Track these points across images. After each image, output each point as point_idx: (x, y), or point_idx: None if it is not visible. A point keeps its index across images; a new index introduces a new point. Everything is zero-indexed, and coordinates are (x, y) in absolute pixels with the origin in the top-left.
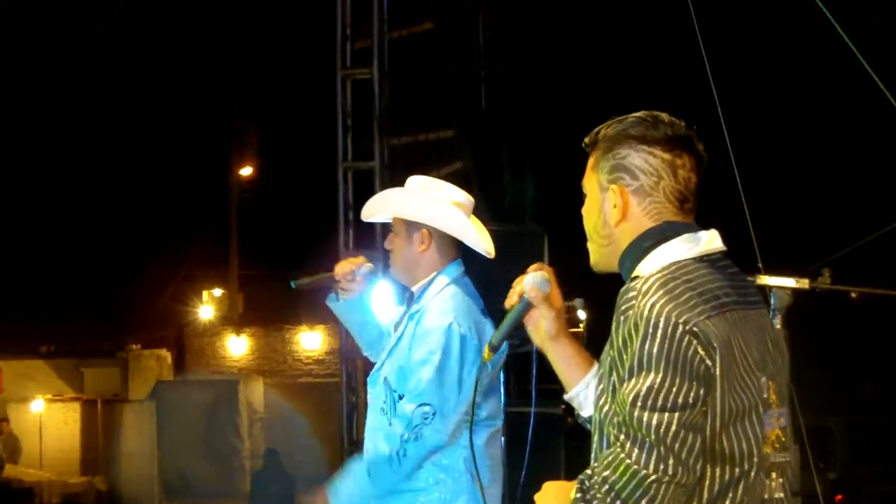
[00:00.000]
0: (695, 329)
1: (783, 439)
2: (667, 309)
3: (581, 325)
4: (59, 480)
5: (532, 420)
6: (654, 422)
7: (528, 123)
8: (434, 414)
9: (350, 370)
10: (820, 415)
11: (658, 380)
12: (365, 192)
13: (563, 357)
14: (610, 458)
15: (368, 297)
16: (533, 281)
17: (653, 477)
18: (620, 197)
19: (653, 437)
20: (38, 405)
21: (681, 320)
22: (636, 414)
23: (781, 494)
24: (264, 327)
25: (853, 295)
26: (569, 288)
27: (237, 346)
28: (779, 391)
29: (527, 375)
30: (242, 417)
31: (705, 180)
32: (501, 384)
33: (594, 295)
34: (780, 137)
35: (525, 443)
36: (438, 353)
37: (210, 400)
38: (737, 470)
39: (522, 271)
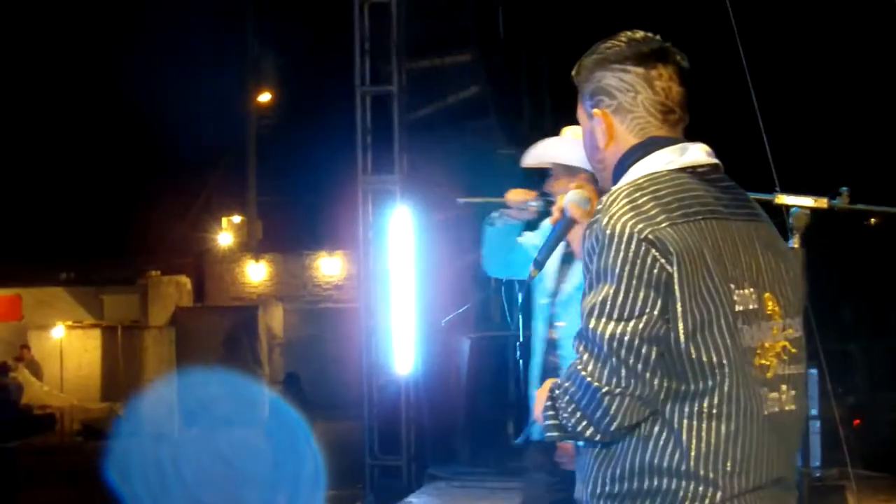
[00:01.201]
0: (650, 237)
1: (793, 351)
2: (623, 219)
3: None
4: (79, 406)
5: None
6: (608, 333)
7: (546, 48)
8: None
9: (369, 295)
10: (840, 340)
11: (613, 290)
12: (382, 116)
13: None
14: (570, 370)
15: (521, 226)
16: (573, 198)
17: (604, 389)
18: (603, 119)
19: (605, 348)
20: (58, 332)
21: (637, 229)
22: (591, 325)
23: (793, 407)
24: (283, 253)
25: (872, 220)
26: None
27: (256, 273)
28: (784, 303)
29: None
30: (262, 343)
31: (723, 105)
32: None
33: None
34: (799, 59)
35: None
36: None
37: (229, 326)
38: (709, 381)
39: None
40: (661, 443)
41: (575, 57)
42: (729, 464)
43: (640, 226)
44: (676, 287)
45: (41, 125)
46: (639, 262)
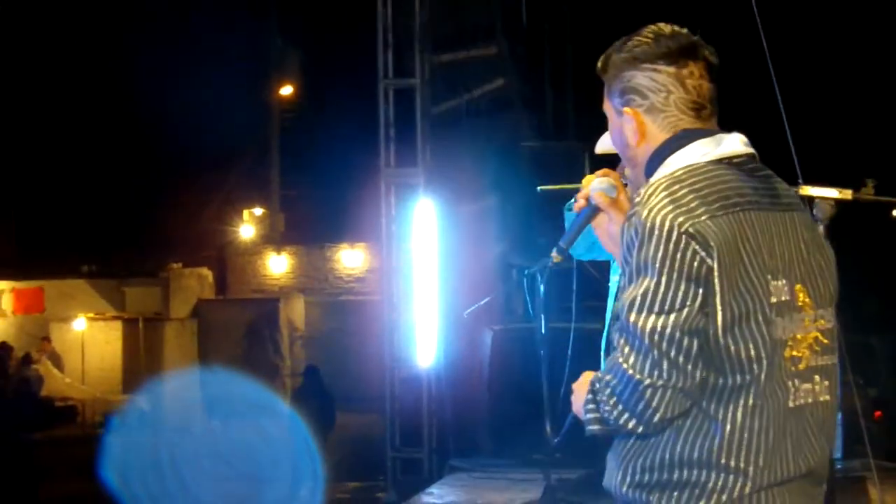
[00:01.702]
0: (691, 230)
1: (825, 342)
2: (663, 212)
3: None
4: (101, 398)
5: (572, 336)
6: (650, 326)
7: (570, 40)
8: None
9: (392, 288)
10: (862, 332)
11: (654, 283)
12: (406, 109)
13: None
14: (611, 364)
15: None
16: (599, 185)
17: (647, 382)
18: (634, 118)
19: (647, 341)
20: (79, 324)
21: (676, 222)
22: (632, 318)
23: (828, 397)
24: (305, 245)
25: (895, 213)
26: None
27: (278, 265)
28: (815, 294)
29: (568, 292)
30: (283, 335)
31: (745, 95)
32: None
33: None
34: (824, 49)
35: (566, 359)
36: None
37: (251, 318)
38: (746, 375)
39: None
40: (694, 434)
41: (599, 48)
42: (760, 456)
43: (681, 219)
44: (716, 280)
45: (65, 119)
46: (679, 255)
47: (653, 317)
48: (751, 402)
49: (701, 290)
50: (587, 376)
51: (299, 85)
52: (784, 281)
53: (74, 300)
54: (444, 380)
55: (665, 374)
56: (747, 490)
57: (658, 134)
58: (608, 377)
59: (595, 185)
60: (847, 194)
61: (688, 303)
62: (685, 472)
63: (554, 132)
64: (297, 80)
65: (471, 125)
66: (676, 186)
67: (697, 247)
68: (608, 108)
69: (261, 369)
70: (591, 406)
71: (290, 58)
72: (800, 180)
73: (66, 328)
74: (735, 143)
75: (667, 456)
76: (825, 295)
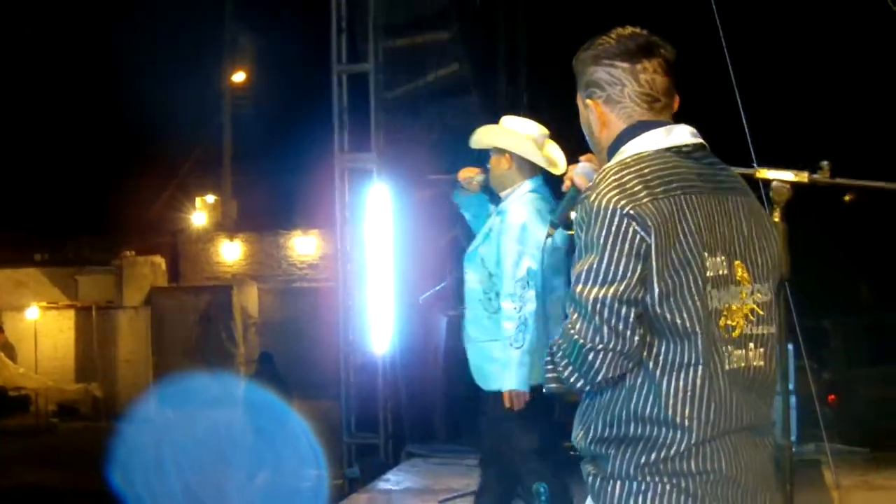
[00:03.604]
0: (631, 212)
1: (761, 313)
2: (608, 195)
3: None
4: (55, 387)
5: None
6: (592, 296)
7: (524, 24)
8: (525, 284)
9: (346, 274)
10: (816, 316)
11: (597, 259)
12: (359, 94)
13: None
14: (563, 330)
15: (483, 197)
16: (581, 170)
17: (588, 346)
18: (595, 109)
19: (589, 309)
20: (32, 313)
21: (619, 205)
22: (578, 289)
23: (762, 363)
24: (258, 232)
25: (847, 198)
26: (560, 185)
27: (231, 252)
28: (753, 269)
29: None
30: (237, 323)
31: (702, 80)
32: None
33: None
34: (778, 34)
35: None
36: (518, 243)
37: (204, 306)
38: (684, 340)
39: None
40: (644, 393)
41: (552, 32)
42: (703, 412)
43: (623, 202)
44: (653, 256)
45: (15, 108)
46: (620, 234)
47: (595, 288)
48: (691, 364)
49: (640, 265)
50: None
51: (252, 71)
52: (723, 257)
53: (27, 289)
54: (400, 366)
55: (605, 339)
56: (693, 442)
57: (617, 123)
58: (560, 341)
59: (578, 169)
60: (803, 177)
61: (627, 275)
62: (638, 428)
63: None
64: (250, 67)
65: (425, 110)
66: (624, 172)
67: (637, 226)
68: (579, 100)
69: (215, 357)
70: (549, 367)
71: (242, 44)
72: (754, 163)
73: (18, 317)
74: (683, 134)
75: (623, 413)
76: (763, 270)
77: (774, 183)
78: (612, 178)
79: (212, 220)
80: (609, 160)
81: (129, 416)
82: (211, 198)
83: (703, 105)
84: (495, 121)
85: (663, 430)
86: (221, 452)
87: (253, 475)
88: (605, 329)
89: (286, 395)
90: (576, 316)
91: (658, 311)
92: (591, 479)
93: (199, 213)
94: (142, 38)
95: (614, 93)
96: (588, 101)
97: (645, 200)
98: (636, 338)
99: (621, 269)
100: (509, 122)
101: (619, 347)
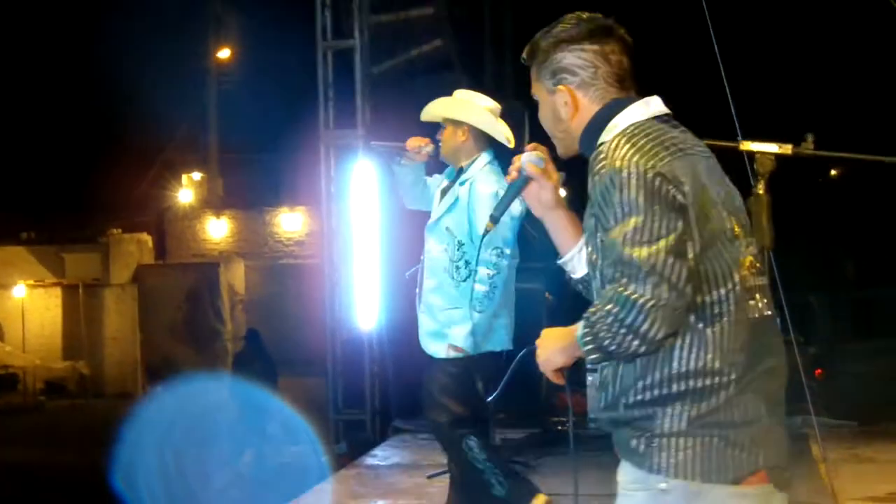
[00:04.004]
0: (661, 171)
1: (757, 265)
2: (634, 159)
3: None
4: (42, 365)
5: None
6: (645, 254)
7: (509, 10)
8: (500, 252)
9: (332, 250)
10: (801, 290)
11: (641, 219)
12: (345, 70)
13: (559, 226)
14: (610, 295)
15: (422, 167)
16: (529, 158)
17: (651, 302)
18: (568, 94)
19: (646, 268)
20: (19, 291)
21: (647, 166)
22: (627, 251)
23: (769, 312)
24: (244, 210)
25: (833, 172)
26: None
27: (217, 229)
28: (743, 224)
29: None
30: (224, 300)
31: (686, 53)
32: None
33: (574, 170)
34: (762, 7)
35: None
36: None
37: (191, 283)
38: (722, 290)
39: (505, 146)
40: (688, 347)
41: (538, 7)
42: (740, 359)
43: (651, 163)
44: (690, 211)
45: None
46: (656, 193)
47: (646, 247)
48: (730, 313)
49: (680, 221)
50: (552, 331)
51: (237, 48)
52: (726, 213)
53: (14, 267)
54: (386, 342)
55: (665, 294)
56: (736, 390)
57: (590, 106)
58: (609, 307)
59: (527, 157)
60: (787, 149)
61: (672, 230)
62: (683, 383)
63: (493, 92)
64: (235, 44)
65: (410, 86)
66: (635, 139)
67: (669, 185)
68: (538, 90)
69: (202, 334)
70: (588, 338)
71: (227, 21)
72: (739, 136)
73: (5, 295)
74: (660, 104)
75: (667, 371)
76: (747, 226)
77: (758, 155)
78: (626, 145)
79: (198, 198)
80: (584, 141)
81: (115, 394)
82: (197, 175)
83: (687, 79)
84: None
85: (708, 380)
86: (208, 430)
87: (238, 453)
88: (665, 285)
89: (273, 372)
90: (626, 279)
91: (699, 265)
92: (634, 442)
93: (186, 191)
94: (126, 15)
95: (587, 76)
96: (559, 87)
97: (667, 160)
98: (690, 290)
99: (665, 225)
100: (464, 94)
101: (679, 302)
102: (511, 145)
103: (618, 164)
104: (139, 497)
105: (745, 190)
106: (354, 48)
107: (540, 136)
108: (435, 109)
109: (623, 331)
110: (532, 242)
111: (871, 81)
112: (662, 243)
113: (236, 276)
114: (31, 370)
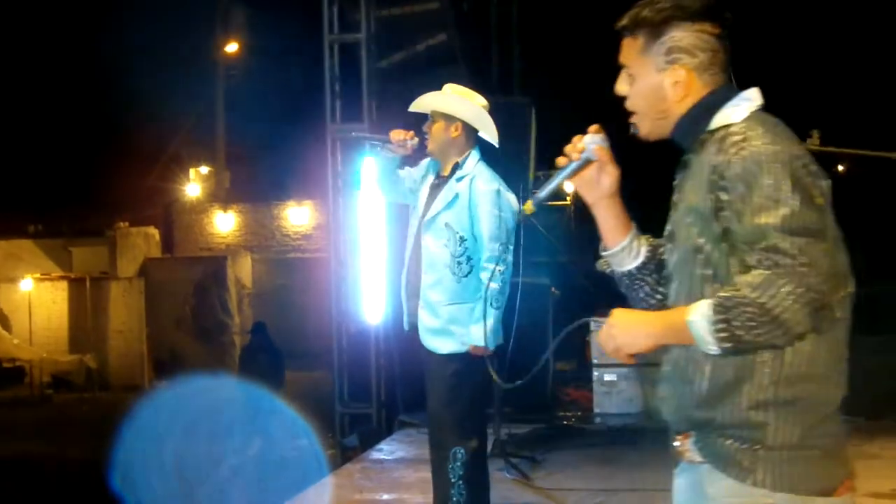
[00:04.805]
0: (807, 162)
1: None
2: (775, 146)
3: (568, 198)
4: (49, 359)
5: (520, 289)
6: (799, 245)
7: (516, 2)
8: (506, 248)
9: (339, 244)
10: None
11: (790, 209)
12: (351, 64)
13: (611, 214)
14: (758, 282)
15: (397, 161)
16: (595, 140)
17: (801, 295)
18: (682, 73)
19: (800, 259)
20: (26, 284)
21: (790, 152)
22: (779, 239)
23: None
24: (252, 203)
25: (840, 168)
26: (555, 157)
27: (225, 223)
28: None
29: (516, 248)
30: (231, 293)
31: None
32: None
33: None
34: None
35: (514, 310)
36: (497, 208)
37: (198, 276)
38: (842, 293)
39: (510, 142)
40: (808, 349)
41: (543, 4)
42: (844, 364)
43: (793, 150)
44: (826, 207)
45: (7, 80)
46: (803, 180)
47: (798, 237)
48: (841, 320)
49: (825, 215)
50: (633, 315)
51: (244, 42)
52: None
53: (21, 261)
54: (393, 336)
55: (815, 287)
56: (839, 399)
57: (700, 90)
58: (754, 294)
59: (591, 139)
60: None
61: (824, 221)
62: (795, 389)
63: (499, 87)
64: (242, 37)
65: (415, 80)
66: (769, 125)
67: (814, 177)
68: (641, 64)
69: (209, 327)
70: (721, 326)
71: (234, 15)
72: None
73: (12, 289)
74: (759, 96)
75: (779, 373)
76: None
77: None
78: (762, 130)
79: (205, 191)
80: (683, 129)
81: (122, 387)
82: (204, 169)
83: None
84: (486, 93)
85: (821, 388)
86: (215, 422)
87: (244, 446)
88: (815, 279)
89: (280, 366)
90: (776, 268)
91: (835, 259)
92: (738, 454)
93: (193, 184)
94: (133, 10)
95: (706, 59)
96: (674, 66)
97: (804, 150)
98: (828, 287)
99: (817, 214)
100: (457, 89)
101: (823, 298)
102: (496, 145)
103: (763, 147)
104: (142, 488)
105: None
106: (360, 42)
107: (545, 132)
108: (429, 102)
109: (766, 320)
110: (538, 237)
111: (878, 77)
112: (818, 234)
113: (243, 270)
114: (38, 363)
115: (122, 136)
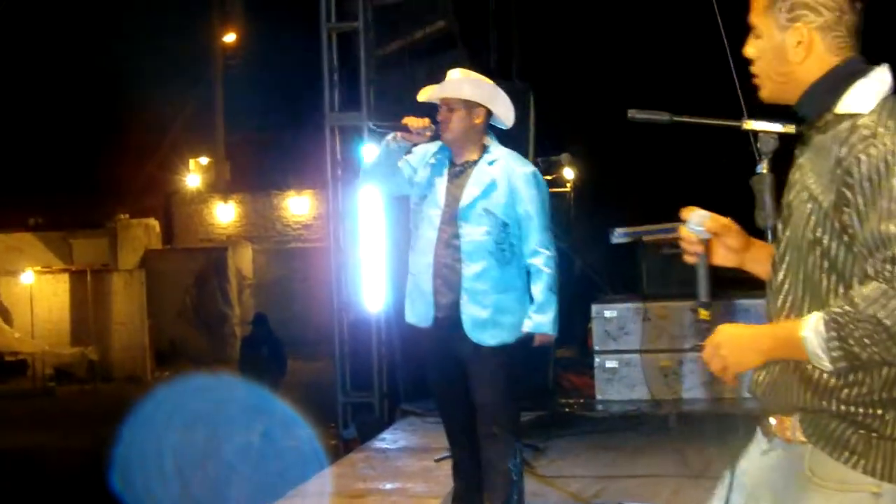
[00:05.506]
0: None
1: None
2: None
3: (568, 185)
4: (51, 351)
5: None
6: None
7: None
8: (552, 230)
9: (339, 233)
10: None
11: None
12: (349, 52)
13: (761, 256)
14: (875, 295)
15: (405, 149)
16: (697, 221)
17: None
18: (805, 33)
19: None
20: (27, 277)
21: None
22: None
23: None
24: (252, 193)
25: None
26: (555, 143)
27: (225, 214)
28: None
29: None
30: (231, 284)
31: (692, 31)
32: None
33: (581, 148)
34: None
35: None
36: (538, 190)
37: (199, 267)
38: None
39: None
40: None
41: (545, 3)
42: None
43: None
44: None
45: (5, 71)
46: None
47: None
48: None
49: None
50: (739, 330)
51: (242, 31)
52: None
53: (21, 253)
54: (394, 324)
55: None
56: None
57: (825, 54)
58: (871, 311)
59: (694, 221)
60: (791, 129)
61: None
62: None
63: (498, 73)
64: (241, 26)
65: (413, 67)
66: None
67: None
68: (765, 22)
69: (210, 318)
70: (835, 344)
71: (232, 3)
72: (745, 115)
73: (13, 282)
74: (889, 76)
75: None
76: None
77: (762, 134)
78: (893, 125)
79: (205, 182)
80: (810, 100)
81: (124, 378)
82: (204, 159)
83: (692, 58)
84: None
85: None
86: (216, 413)
87: (246, 437)
88: None
89: (281, 356)
90: None
91: None
92: (853, 439)
93: (193, 175)
94: (132, 0)
95: (832, 18)
96: (796, 24)
97: None
98: None
99: None
100: (468, 73)
101: None
102: (508, 127)
103: (894, 147)
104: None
105: (749, 169)
106: (358, 30)
107: (545, 119)
108: (446, 89)
109: (883, 337)
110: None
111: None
112: None
113: (244, 261)
114: (40, 356)
115: (122, 128)
